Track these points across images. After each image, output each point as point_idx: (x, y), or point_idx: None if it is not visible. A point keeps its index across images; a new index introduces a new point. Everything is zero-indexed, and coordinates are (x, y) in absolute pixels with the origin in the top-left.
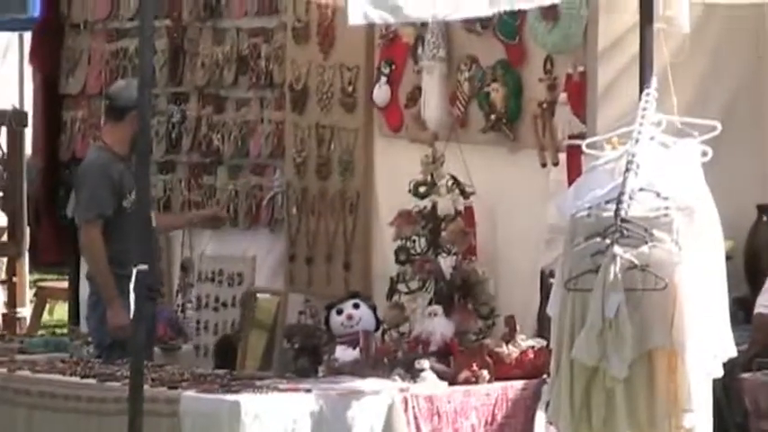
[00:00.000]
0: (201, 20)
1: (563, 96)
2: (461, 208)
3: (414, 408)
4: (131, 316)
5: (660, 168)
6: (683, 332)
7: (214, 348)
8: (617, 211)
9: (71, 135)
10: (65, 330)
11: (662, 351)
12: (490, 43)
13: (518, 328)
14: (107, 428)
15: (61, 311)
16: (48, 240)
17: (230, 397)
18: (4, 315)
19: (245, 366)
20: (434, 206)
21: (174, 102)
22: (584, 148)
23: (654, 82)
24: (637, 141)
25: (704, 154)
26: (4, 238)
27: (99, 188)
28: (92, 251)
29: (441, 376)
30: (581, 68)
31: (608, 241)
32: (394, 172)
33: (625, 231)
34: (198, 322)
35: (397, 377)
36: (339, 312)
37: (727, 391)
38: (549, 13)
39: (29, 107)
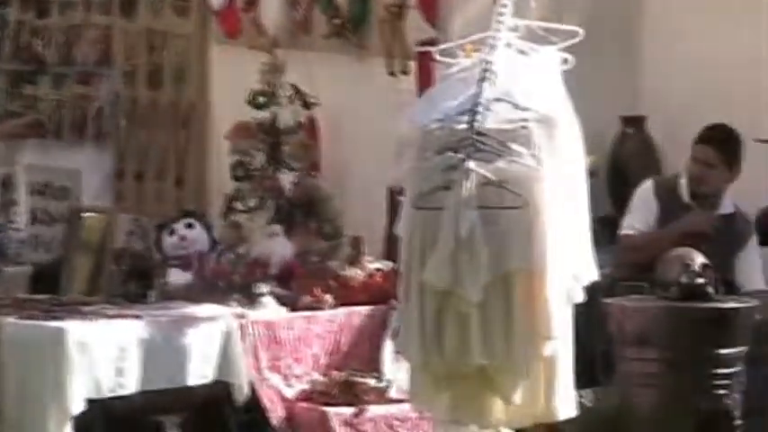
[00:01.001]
0: None
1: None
2: (304, 120)
3: (252, 335)
4: None
5: (518, 77)
6: (542, 254)
7: (31, 276)
8: (471, 122)
9: None
10: None
11: (520, 274)
12: None
13: (365, 249)
14: None
15: None
16: None
17: (54, 324)
18: None
19: (70, 291)
20: (274, 118)
21: None
22: (436, 55)
23: None
24: (492, 48)
25: (565, 61)
26: None
27: None
28: None
29: (281, 301)
30: None
31: (461, 155)
32: (231, 81)
33: (480, 145)
34: (36, 238)
35: (233, 302)
36: (171, 233)
37: (589, 317)
38: None
39: None
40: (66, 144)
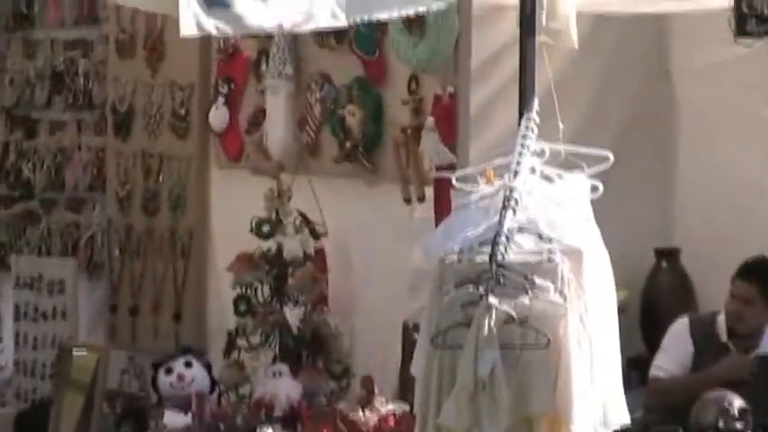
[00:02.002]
0: (10, 30)
1: (430, 121)
2: (311, 250)
3: None
4: None
5: (543, 206)
6: (567, 396)
7: (14, 420)
8: (492, 254)
9: None
10: None
11: (543, 418)
12: (345, 59)
13: (376, 390)
14: None
15: None
16: None
17: None
18: None
19: None
20: (280, 248)
21: None
22: (454, 181)
23: (536, 105)
24: (516, 174)
25: (594, 189)
26: None
27: None
28: None
29: None
30: (451, 89)
31: (482, 290)
32: (233, 208)
33: (502, 279)
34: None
35: None
36: (168, 371)
37: None
38: (414, 25)
39: None
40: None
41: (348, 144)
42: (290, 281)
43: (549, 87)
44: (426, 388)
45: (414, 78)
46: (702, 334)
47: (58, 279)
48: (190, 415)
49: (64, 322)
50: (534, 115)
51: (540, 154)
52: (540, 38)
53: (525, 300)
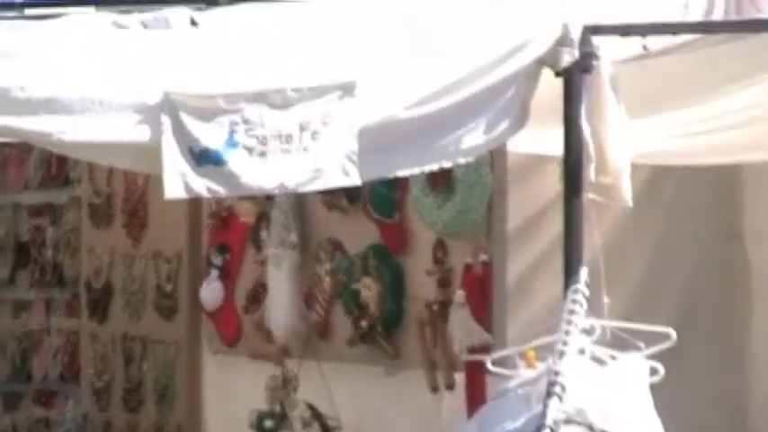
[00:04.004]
0: None
1: (460, 295)
2: None
3: None
4: None
5: (594, 393)
6: None
7: None
8: None
9: None
10: None
11: None
12: (360, 223)
13: None
14: None
15: None
16: None
17: None
18: None
19: None
20: None
21: None
22: (489, 365)
23: (584, 274)
24: (561, 356)
25: (653, 372)
26: None
27: None
28: None
29: None
30: (484, 257)
31: None
32: (229, 400)
33: None
34: None
35: None
36: None
37: None
38: (439, 182)
39: None
40: None
41: (364, 323)
42: None
43: (598, 254)
44: None
45: (440, 245)
46: None
47: None
48: None
49: None
50: (582, 287)
51: (590, 332)
52: (588, 195)
53: None
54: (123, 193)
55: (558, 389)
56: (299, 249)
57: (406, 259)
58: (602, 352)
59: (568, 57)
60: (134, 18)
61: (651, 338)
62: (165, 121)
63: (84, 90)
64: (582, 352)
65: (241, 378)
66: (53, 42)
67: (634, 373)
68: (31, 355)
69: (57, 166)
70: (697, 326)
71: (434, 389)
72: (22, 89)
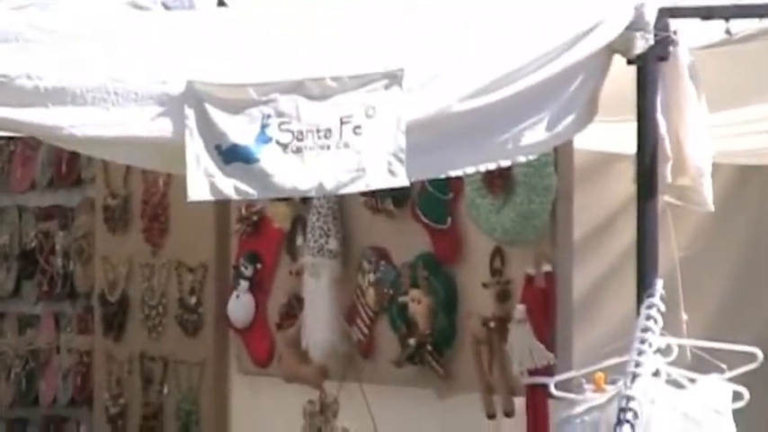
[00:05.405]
0: None
1: (520, 310)
2: None
3: None
4: None
5: (670, 420)
6: None
7: None
8: None
9: None
10: None
11: None
12: (408, 228)
13: None
14: None
15: None
16: None
17: None
18: None
19: None
20: None
21: None
22: (552, 389)
23: (659, 287)
24: (634, 378)
25: (737, 397)
26: None
27: None
28: None
29: None
30: (547, 267)
31: None
32: (261, 427)
33: None
34: None
35: None
36: None
37: None
38: (498, 183)
39: None
40: None
41: (412, 341)
42: None
43: (675, 264)
44: None
45: (498, 253)
46: None
47: None
48: None
49: None
50: (657, 301)
51: (666, 352)
52: (665, 198)
53: None
54: (142, 195)
55: (629, 415)
56: (339, 258)
57: (460, 270)
58: (680, 374)
59: (642, 42)
60: None
61: (735, 359)
62: (189, 113)
63: (98, 79)
64: (657, 374)
65: (274, 403)
66: (63, 25)
67: (715, 398)
68: (38, 377)
69: (67, 165)
70: None
71: (491, 415)
72: (29, 77)
